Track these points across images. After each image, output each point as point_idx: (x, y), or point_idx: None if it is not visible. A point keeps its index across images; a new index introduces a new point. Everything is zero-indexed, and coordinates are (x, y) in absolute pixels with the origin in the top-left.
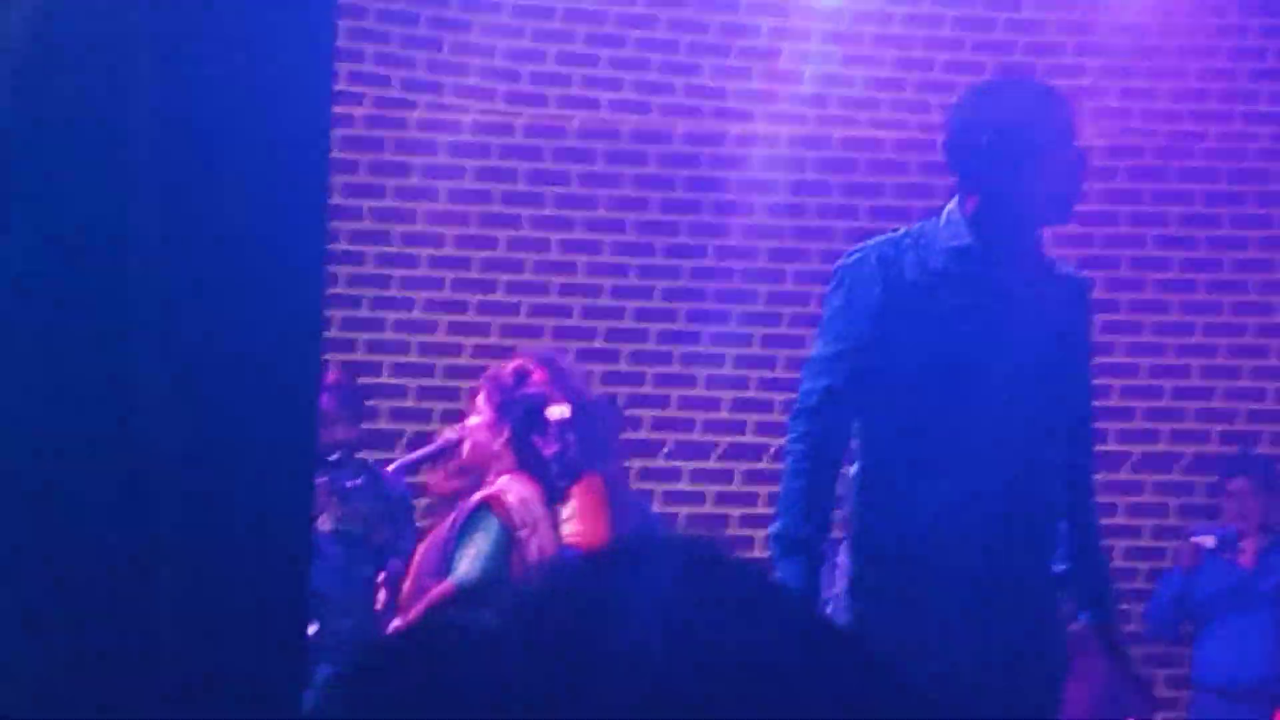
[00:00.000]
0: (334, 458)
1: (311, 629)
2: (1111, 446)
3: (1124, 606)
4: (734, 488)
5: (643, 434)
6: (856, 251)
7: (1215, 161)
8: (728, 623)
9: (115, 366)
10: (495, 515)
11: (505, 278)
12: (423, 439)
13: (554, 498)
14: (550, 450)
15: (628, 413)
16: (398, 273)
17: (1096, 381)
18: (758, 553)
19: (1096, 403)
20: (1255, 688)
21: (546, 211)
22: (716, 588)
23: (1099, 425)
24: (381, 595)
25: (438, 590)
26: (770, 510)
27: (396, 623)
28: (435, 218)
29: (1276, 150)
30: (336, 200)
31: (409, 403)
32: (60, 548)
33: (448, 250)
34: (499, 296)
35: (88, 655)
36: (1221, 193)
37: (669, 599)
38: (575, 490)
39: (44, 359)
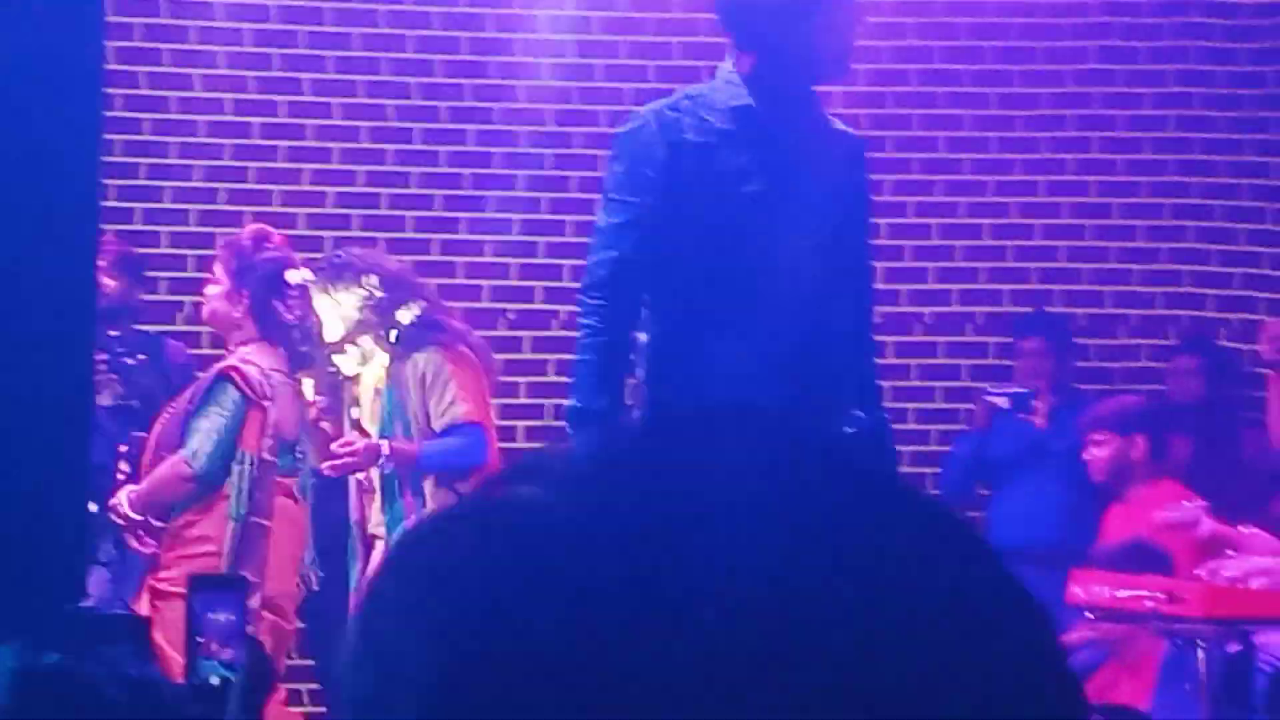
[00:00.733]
0: (114, 333)
1: (93, 506)
2: (903, 308)
3: (917, 470)
4: (524, 356)
5: None
6: (634, 118)
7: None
8: (806, 495)
9: None
10: (233, 386)
11: (286, 144)
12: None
13: (297, 364)
14: (292, 316)
15: None
16: (174, 140)
17: (887, 242)
18: (547, 421)
19: (887, 264)
20: (1049, 549)
21: (329, 76)
22: (790, 458)
23: (891, 287)
24: (123, 467)
25: (171, 461)
26: (562, 379)
27: (131, 491)
28: (213, 83)
29: None
30: (111, 64)
31: (188, 273)
32: None
33: (228, 117)
34: (279, 164)
35: None
36: (1013, 49)
37: (741, 468)
38: (453, 368)
39: None
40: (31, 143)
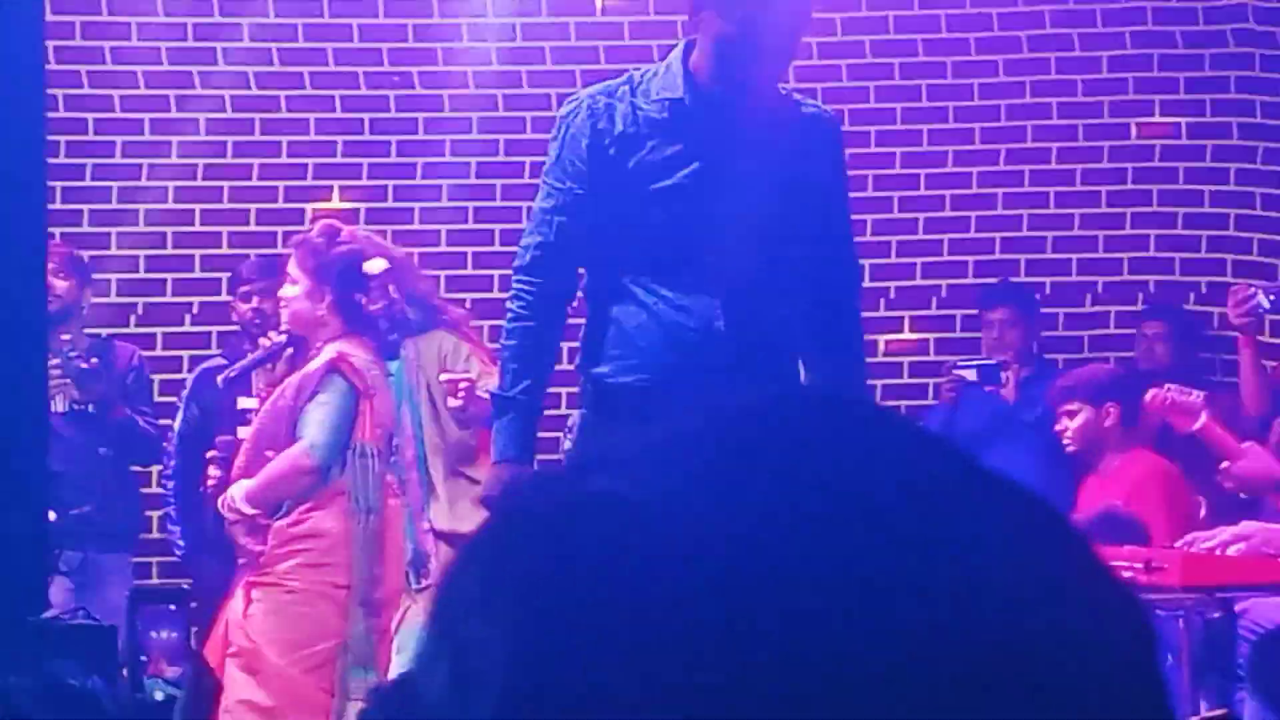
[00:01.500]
0: (65, 337)
1: (52, 515)
2: (868, 284)
3: None
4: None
5: None
6: (572, 100)
7: None
8: (907, 486)
9: None
10: (343, 378)
11: (235, 139)
12: (154, 312)
13: (387, 353)
14: (376, 306)
15: None
16: (119, 140)
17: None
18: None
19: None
20: None
21: (273, 69)
22: (884, 447)
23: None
24: (213, 471)
25: (288, 454)
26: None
27: (244, 486)
28: (156, 80)
29: None
30: (52, 65)
31: (139, 275)
32: None
33: (172, 113)
34: (229, 160)
35: None
36: (970, 16)
37: (833, 458)
38: (470, 346)
39: None
40: None
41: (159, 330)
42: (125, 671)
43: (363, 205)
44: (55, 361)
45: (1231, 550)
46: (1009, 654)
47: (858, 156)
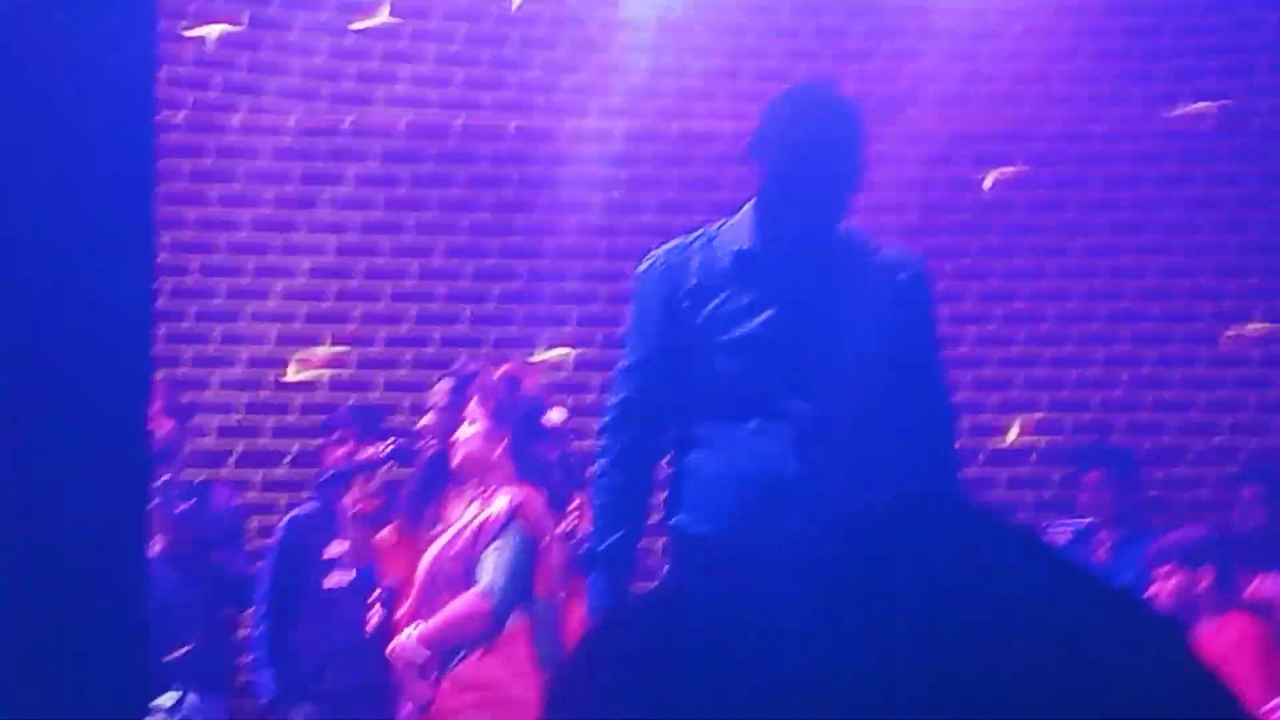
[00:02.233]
0: (162, 480)
1: (156, 659)
2: (960, 441)
3: None
4: None
5: None
6: (649, 258)
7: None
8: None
9: None
10: (521, 525)
11: (335, 285)
12: (252, 455)
13: (557, 505)
14: (552, 455)
15: None
16: (222, 283)
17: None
18: None
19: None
20: None
21: (376, 215)
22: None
23: None
24: (376, 613)
25: (466, 598)
26: None
27: (417, 629)
28: (261, 225)
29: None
30: (157, 211)
31: (237, 418)
32: None
33: (273, 259)
34: (329, 305)
35: None
36: (1071, 178)
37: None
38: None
39: None
40: (82, 288)
41: (257, 473)
42: None
43: (467, 307)
44: (154, 503)
45: None
46: None
47: (952, 314)
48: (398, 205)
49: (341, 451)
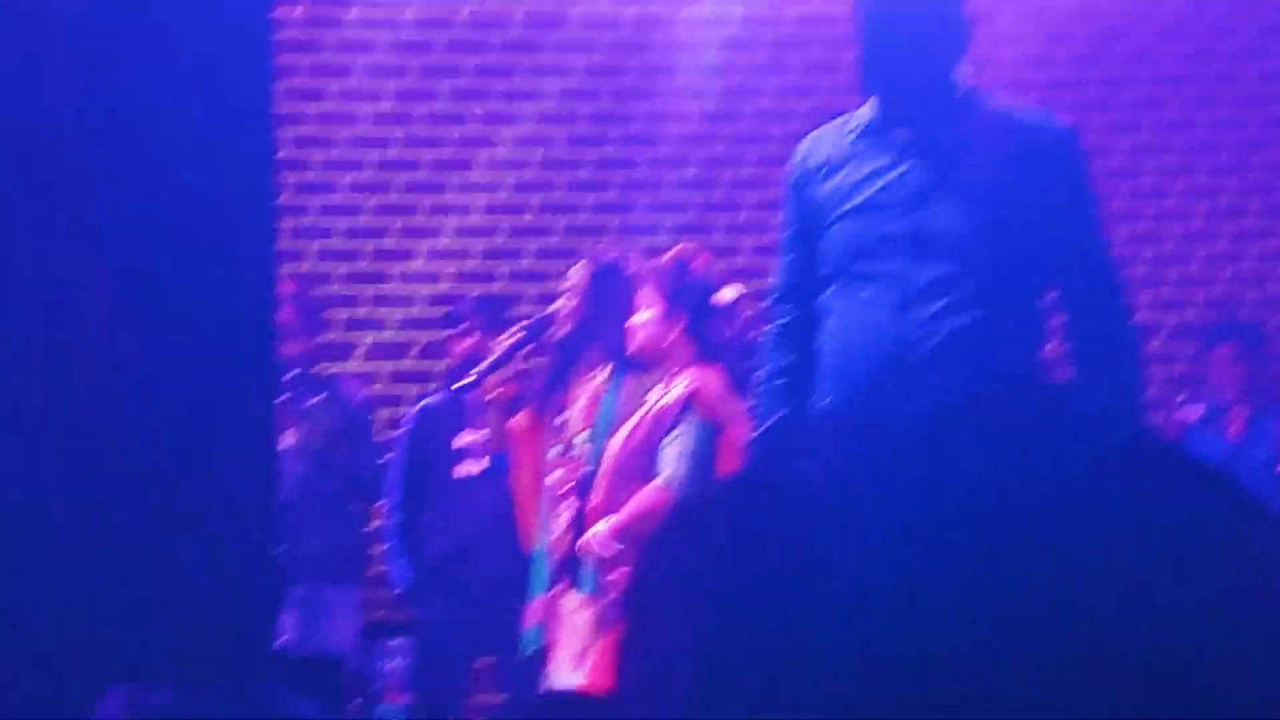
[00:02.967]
0: (293, 374)
1: (278, 550)
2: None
3: None
4: None
5: None
6: (804, 139)
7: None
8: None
9: (79, 286)
10: (697, 412)
11: (455, 177)
12: (380, 348)
13: (739, 384)
14: (727, 334)
15: None
16: (345, 177)
17: None
18: None
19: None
20: None
21: (495, 105)
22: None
23: None
24: (570, 504)
25: (645, 493)
26: None
27: (608, 523)
28: (380, 119)
29: None
30: (277, 107)
31: (363, 311)
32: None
33: (394, 153)
34: (449, 198)
35: (65, 572)
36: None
37: (1031, 449)
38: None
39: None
40: (207, 187)
41: (384, 365)
42: (359, 701)
43: (590, 195)
44: (284, 397)
45: None
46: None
47: None
48: (515, 96)
49: (468, 343)
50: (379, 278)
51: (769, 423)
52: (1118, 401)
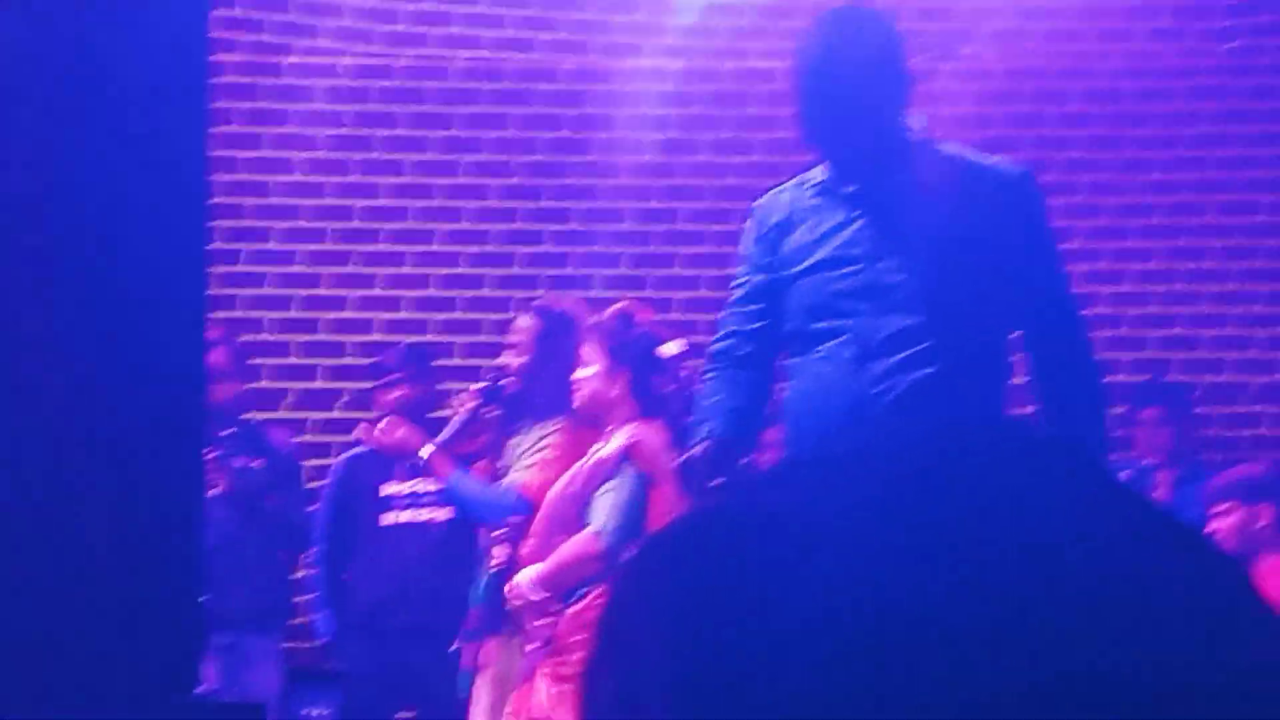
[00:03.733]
0: (220, 421)
1: (203, 598)
2: (1016, 380)
3: None
4: None
5: None
6: (764, 195)
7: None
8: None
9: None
10: (634, 465)
11: (388, 226)
12: (308, 396)
13: (679, 440)
14: (669, 389)
15: None
16: (277, 226)
17: None
18: None
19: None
20: None
21: (430, 156)
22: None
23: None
24: (501, 551)
25: (574, 542)
26: None
27: (534, 571)
28: (315, 167)
29: None
30: (211, 152)
31: (292, 360)
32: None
33: (329, 200)
34: (382, 246)
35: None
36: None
37: (1010, 480)
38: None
39: None
40: (138, 231)
41: (309, 415)
42: None
43: (521, 248)
44: (211, 445)
45: None
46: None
47: None
48: (451, 147)
49: (395, 394)
50: (310, 326)
51: (699, 448)
52: (1082, 436)
